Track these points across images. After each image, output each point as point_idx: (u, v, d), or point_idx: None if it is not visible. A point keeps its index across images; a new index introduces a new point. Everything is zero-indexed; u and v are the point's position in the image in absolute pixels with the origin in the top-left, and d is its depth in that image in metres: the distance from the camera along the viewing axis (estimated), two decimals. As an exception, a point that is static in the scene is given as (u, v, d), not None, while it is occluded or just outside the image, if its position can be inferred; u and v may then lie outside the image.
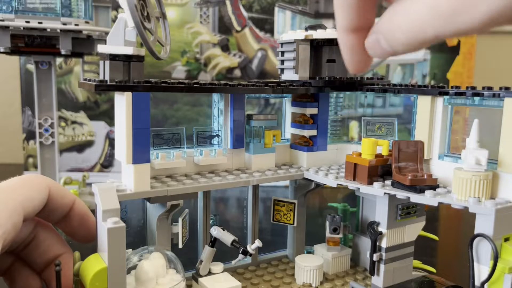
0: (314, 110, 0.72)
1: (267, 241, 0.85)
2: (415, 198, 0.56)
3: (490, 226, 0.51)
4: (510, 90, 0.52)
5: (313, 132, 0.72)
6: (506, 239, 0.53)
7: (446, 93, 0.59)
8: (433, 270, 0.72)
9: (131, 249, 0.59)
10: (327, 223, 0.72)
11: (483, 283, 0.51)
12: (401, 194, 0.57)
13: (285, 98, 0.77)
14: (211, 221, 0.69)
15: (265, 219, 0.92)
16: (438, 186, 0.57)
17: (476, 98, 0.56)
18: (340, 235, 0.72)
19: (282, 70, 0.73)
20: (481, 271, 0.52)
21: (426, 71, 1.45)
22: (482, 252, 0.52)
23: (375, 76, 1.40)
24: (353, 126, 1.34)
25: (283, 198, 0.74)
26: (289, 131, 0.76)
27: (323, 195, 1.33)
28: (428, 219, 0.67)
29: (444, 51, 1.43)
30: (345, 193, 1.33)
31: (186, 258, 0.64)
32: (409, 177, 0.56)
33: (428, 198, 0.55)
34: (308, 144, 0.73)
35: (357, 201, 0.76)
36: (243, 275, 0.72)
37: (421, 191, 0.56)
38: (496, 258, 0.50)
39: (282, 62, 0.72)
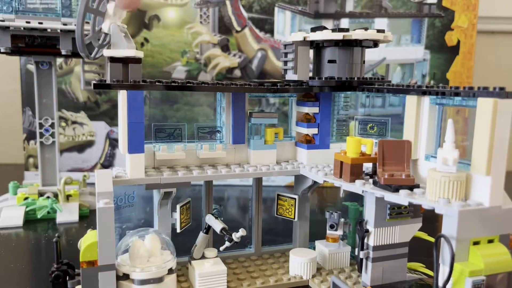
0: (315, 109, 0.74)
1: (274, 235, 0.91)
2: (388, 197, 0.56)
3: (453, 227, 0.51)
4: (486, 89, 0.52)
5: (315, 131, 0.74)
6: (476, 243, 0.52)
7: (430, 93, 0.59)
8: (432, 273, 0.72)
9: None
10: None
11: (443, 285, 0.51)
12: (377, 193, 0.57)
13: (291, 98, 0.79)
14: (214, 210, 0.74)
15: (266, 217, 0.94)
16: (417, 186, 0.57)
17: (457, 98, 0.56)
18: (339, 232, 0.74)
19: (285, 70, 0.75)
20: (445, 272, 0.52)
21: (426, 71, 1.45)
22: (446, 253, 0.51)
23: (374, 76, 1.40)
24: (353, 125, 1.34)
25: (286, 193, 0.77)
26: (294, 129, 0.78)
27: (335, 194, 1.33)
28: (427, 219, 0.67)
29: (444, 51, 1.43)
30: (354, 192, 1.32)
31: (190, 246, 0.71)
32: (385, 176, 0.57)
33: (401, 198, 0.55)
34: (310, 142, 0.74)
35: (363, 200, 0.77)
36: (242, 262, 0.77)
37: (396, 190, 0.56)
38: (452, 260, 0.50)
39: (285, 63, 0.74)
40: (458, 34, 1.42)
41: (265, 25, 1.39)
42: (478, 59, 1.55)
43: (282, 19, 1.40)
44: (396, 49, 1.44)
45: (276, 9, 1.39)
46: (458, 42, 1.42)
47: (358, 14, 1.40)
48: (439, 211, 0.52)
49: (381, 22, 1.41)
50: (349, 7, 1.40)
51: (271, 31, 1.40)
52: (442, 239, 0.52)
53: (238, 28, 1.38)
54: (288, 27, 1.40)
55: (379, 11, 1.40)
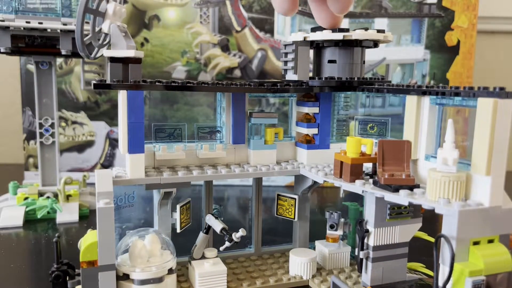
0: (315, 109, 0.74)
1: (274, 235, 0.92)
2: (388, 197, 0.56)
3: (453, 227, 0.51)
4: (486, 89, 0.52)
5: (315, 131, 0.74)
6: (476, 243, 0.52)
7: (430, 93, 0.58)
8: (432, 273, 0.72)
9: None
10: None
11: (444, 285, 0.51)
12: (377, 193, 0.57)
13: (291, 98, 0.79)
14: (214, 210, 0.74)
15: (266, 217, 0.94)
16: (417, 186, 0.57)
17: (457, 98, 0.56)
18: (339, 232, 0.74)
19: (285, 70, 0.75)
20: (445, 272, 0.52)
21: (426, 71, 1.45)
22: (446, 253, 0.51)
23: (374, 76, 1.40)
24: (353, 125, 1.34)
25: (286, 193, 0.77)
26: (294, 129, 0.78)
27: (335, 194, 1.33)
28: (427, 220, 0.67)
29: (444, 51, 1.43)
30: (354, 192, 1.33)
31: (190, 246, 0.71)
32: (386, 176, 0.57)
33: (401, 198, 0.55)
34: (310, 142, 0.74)
35: (363, 200, 0.77)
36: (242, 262, 0.77)
37: (396, 190, 0.56)
38: (452, 260, 0.50)
39: (286, 63, 0.74)
40: (458, 34, 1.42)
41: (265, 25, 1.39)
42: (478, 59, 1.54)
43: (282, 19, 1.40)
44: (396, 49, 1.44)
45: (276, 9, 1.39)
46: (458, 42, 1.42)
47: (358, 14, 1.40)
48: (439, 211, 0.52)
49: (381, 22, 1.41)
50: (349, 7, 1.40)
51: (271, 31, 1.40)
52: (442, 239, 0.52)
53: (238, 28, 1.38)
54: (288, 27, 1.40)
55: (379, 11, 1.40)
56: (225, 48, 1.39)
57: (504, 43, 1.76)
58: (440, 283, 0.52)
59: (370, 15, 1.40)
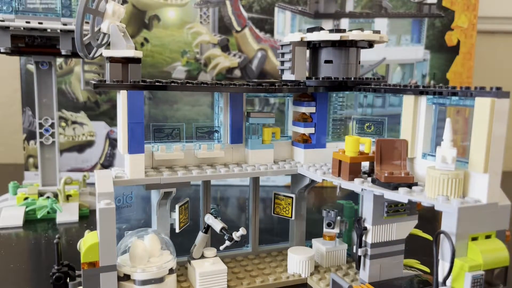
0: (312, 109, 0.75)
1: (270, 234, 0.92)
2: (388, 194, 0.57)
3: (453, 224, 0.52)
4: (484, 89, 0.52)
5: (311, 130, 0.74)
6: (474, 239, 0.53)
7: (427, 93, 0.59)
8: (427, 269, 0.73)
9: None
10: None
11: (444, 280, 0.52)
12: (377, 191, 0.58)
13: (288, 98, 0.79)
14: (212, 210, 0.74)
15: (266, 217, 0.95)
16: (416, 184, 0.58)
17: (454, 98, 0.56)
18: (336, 230, 0.74)
19: (282, 70, 0.75)
20: (445, 268, 0.53)
21: (426, 71, 1.45)
22: (445, 249, 0.52)
23: (374, 76, 1.40)
24: (351, 125, 1.34)
25: (283, 192, 0.77)
26: (291, 129, 0.79)
27: (331, 193, 1.34)
28: (427, 218, 0.68)
29: (444, 51, 1.43)
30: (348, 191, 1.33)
31: (187, 246, 0.71)
32: (385, 174, 0.57)
33: (400, 195, 0.56)
34: (307, 141, 0.74)
35: (358, 199, 0.78)
36: (240, 262, 0.77)
37: (395, 188, 0.56)
38: (453, 255, 0.50)
39: (282, 63, 0.74)
40: (458, 34, 1.42)
41: (265, 25, 1.39)
42: (478, 59, 1.54)
43: (282, 19, 1.40)
44: (396, 49, 1.44)
45: (276, 9, 1.39)
46: (458, 42, 1.42)
47: (358, 14, 1.40)
48: (438, 208, 0.52)
49: (381, 22, 1.41)
50: (349, 7, 1.40)
51: (271, 31, 1.40)
52: (441, 235, 0.52)
53: (238, 28, 1.39)
54: (288, 27, 1.40)
55: (379, 11, 1.40)
56: (225, 48, 1.39)
57: (504, 43, 1.75)
58: (440, 279, 0.52)
59: (370, 15, 1.40)
